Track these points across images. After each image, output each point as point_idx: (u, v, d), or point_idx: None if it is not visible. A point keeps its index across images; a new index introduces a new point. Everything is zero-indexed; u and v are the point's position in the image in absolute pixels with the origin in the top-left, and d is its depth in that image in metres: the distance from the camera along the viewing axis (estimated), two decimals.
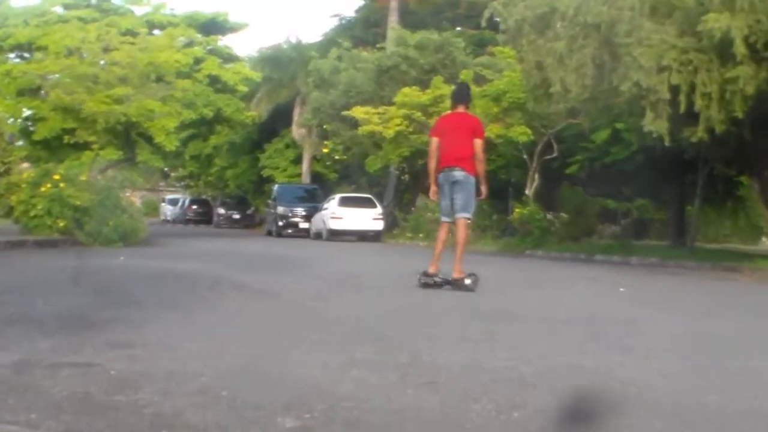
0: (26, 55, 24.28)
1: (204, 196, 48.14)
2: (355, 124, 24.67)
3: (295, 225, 26.54)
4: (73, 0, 25.23)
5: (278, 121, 33.60)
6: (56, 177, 14.69)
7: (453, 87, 9.35)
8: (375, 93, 25.29)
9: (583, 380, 3.36)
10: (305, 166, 33.17)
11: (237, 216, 38.57)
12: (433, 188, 7.88)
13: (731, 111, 11.15)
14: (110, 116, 19.64)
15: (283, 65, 31.70)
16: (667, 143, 12.03)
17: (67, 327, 4.33)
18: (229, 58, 26.85)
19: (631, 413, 2.81)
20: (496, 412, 2.73)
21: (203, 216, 42.95)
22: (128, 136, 21.68)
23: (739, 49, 10.48)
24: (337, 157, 31.33)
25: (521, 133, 20.89)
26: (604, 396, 3.06)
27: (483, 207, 21.68)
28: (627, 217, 25.01)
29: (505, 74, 21.63)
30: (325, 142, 30.15)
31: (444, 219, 7.81)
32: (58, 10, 25.17)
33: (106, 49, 21.68)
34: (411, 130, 23.36)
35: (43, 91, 21.80)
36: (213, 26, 27.18)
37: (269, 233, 27.88)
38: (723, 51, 10.91)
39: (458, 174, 7.51)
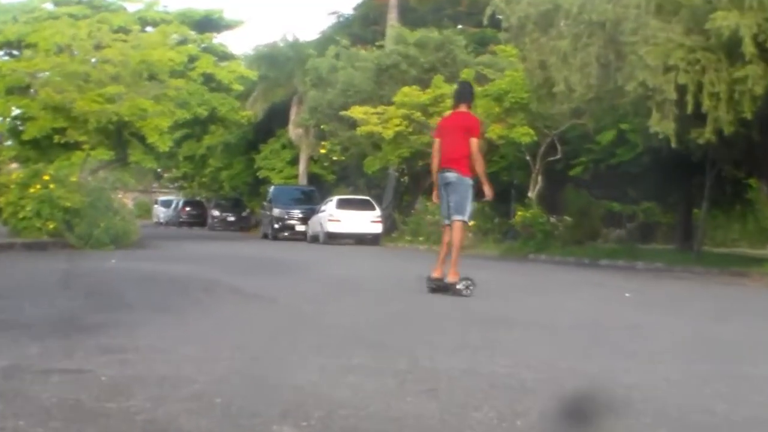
0: (15, 52, 24.29)
1: (198, 198, 48.11)
2: (353, 124, 24.66)
3: (292, 228, 26.52)
4: None
5: (274, 121, 33.59)
6: (46, 178, 14.69)
7: (455, 86, 9.39)
8: (374, 92, 25.29)
9: (587, 386, 3.37)
10: (302, 167, 33.16)
11: (232, 218, 38.57)
12: (435, 191, 8.05)
13: (740, 111, 11.17)
14: (102, 115, 19.64)
15: (280, 64, 31.70)
16: (673, 145, 12.04)
17: (57, 331, 4.33)
18: (224, 56, 26.86)
19: (635, 420, 2.82)
20: (497, 420, 2.73)
21: (197, 218, 42.91)
22: (120, 136, 21.68)
23: (748, 48, 10.50)
24: (334, 158, 31.33)
25: (524, 133, 20.88)
26: (609, 402, 3.06)
27: (484, 210, 21.71)
28: (632, 220, 25.04)
29: (508, 73, 21.62)
30: (323, 143, 30.12)
31: (444, 222, 7.85)
32: (48, 6, 25.19)
33: (98, 47, 21.69)
34: (411, 130, 23.36)
35: (32, 90, 21.80)
36: (207, 23, 27.20)
37: (265, 236, 27.88)
38: (731, 50, 10.93)
39: (450, 175, 7.58)
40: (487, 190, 7.65)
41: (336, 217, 23.41)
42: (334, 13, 56.47)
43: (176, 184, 53.84)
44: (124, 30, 23.36)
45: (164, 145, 21.97)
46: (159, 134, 21.31)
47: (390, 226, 25.52)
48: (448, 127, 7.88)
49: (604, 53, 12.44)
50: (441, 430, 2.63)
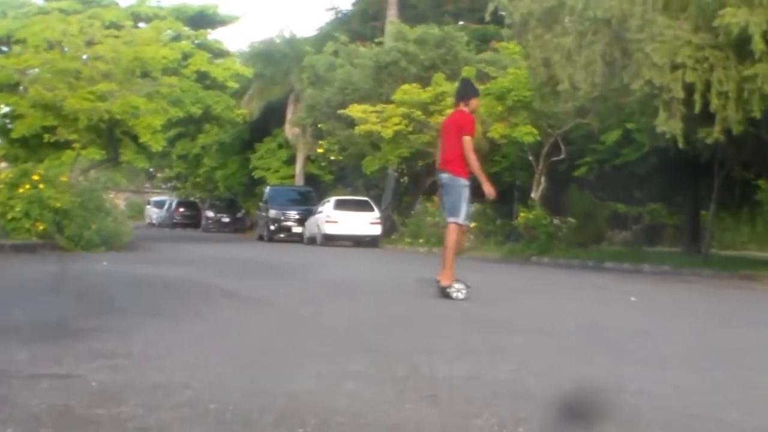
0: (4, 48, 24.31)
1: (192, 199, 48.08)
2: (351, 123, 24.68)
3: (288, 229, 26.53)
4: None
5: (270, 120, 33.61)
6: (35, 177, 14.67)
7: (456, 84, 9.43)
8: (373, 90, 25.31)
9: (592, 393, 3.36)
10: (299, 167, 33.18)
11: (227, 219, 38.57)
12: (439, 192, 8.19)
13: (749, 111, 11.18)
14: (93, 113, 19.62)
15: (276, 61, 31.73)
16: (681, 145, 12.05)
17: (47, 336, 4.32)
18: (219, 53, 26.88)
19: (643, 428, 2.81)
20: (499, 427, 2.72)
21: (191, 219, 42.88)
22: (112, 135, 21.67)
23: (758, 45, 10.51)
24: (332, 158, 31.34)
25: (527, 133, 20.90)
26: (615, 410, 3.05)
27: (486, 211, 21.73)
28: (638, 222, 25.02)
29: (510, 71, 21.65)
30: (320, 142, 30.13)
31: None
32: (38, 1, 25.25)
33: (89, 43, 21.67)
34: (410, 129, 23.38)
35: (21, 87, 21.80)
36: (202, 19, 27.23)
37: (260, 238, 27.87)
38: (740, 48, 10.94)
39: (443, 177, 7.61)
40: (487, 189, 7.47)
41: (333, 218, 23.40)
42: (332, 8, 56.38)
43: (169, 185, 53.85)
44: (116, 26, 23.33)
45: (157, 144, 21.98)
46: (152, 133, 21.32)
47: (389, 227, 25.52)
48: (446, 127, 7.95)
49: (610, 51, 12.45)
50: None
